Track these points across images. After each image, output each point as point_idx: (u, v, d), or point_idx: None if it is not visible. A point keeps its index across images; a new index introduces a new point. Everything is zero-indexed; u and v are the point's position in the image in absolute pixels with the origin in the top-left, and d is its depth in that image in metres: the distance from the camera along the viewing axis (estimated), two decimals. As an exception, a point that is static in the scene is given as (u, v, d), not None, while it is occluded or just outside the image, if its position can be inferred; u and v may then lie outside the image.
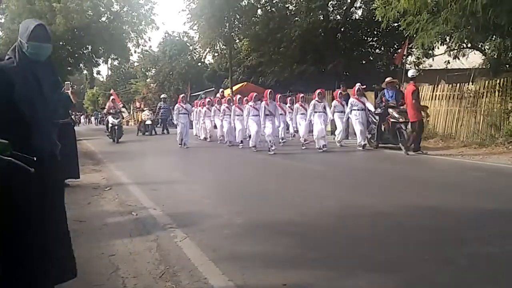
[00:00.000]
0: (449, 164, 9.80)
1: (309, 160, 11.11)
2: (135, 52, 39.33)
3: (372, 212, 5.62)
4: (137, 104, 32.23)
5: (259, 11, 28.32)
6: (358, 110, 12.89)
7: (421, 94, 13.17)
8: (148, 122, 23.10)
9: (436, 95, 14.88)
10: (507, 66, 13.96)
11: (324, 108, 12.88)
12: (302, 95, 16.54)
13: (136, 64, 50.97)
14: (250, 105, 13.51)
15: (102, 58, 37.71)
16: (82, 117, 58.88)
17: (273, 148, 12.20)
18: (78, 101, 24.37)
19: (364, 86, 14.00)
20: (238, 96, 15.50)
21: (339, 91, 14.53)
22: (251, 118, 13.30)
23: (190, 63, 41.74)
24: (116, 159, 11.77)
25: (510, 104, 12.39)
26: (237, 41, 30.69)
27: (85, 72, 49.72)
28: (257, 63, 27.13)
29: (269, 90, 13.44)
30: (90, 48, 34.87)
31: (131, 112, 40.82)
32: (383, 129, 12.62)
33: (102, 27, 32.58)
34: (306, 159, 11.33)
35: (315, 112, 12.79)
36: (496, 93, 12.87)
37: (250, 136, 13.79)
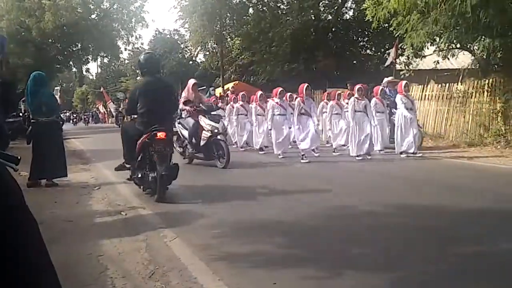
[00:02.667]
0: (438, 164, 9.87)
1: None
2: (125, 49, 39.19)
3: (361, 211, 5.65)
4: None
5: (250, 10, 28.30)
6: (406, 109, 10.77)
7: (411, 94, 13.20)
8: None
9: (425, 95, 14.98)
10: (496, 66, 14.07)
11: (365, 107, 10.88)
12: (339, 92, 13.61)
13: (126, 62, 50.72)
14: (277, 102, 11.52)
15: (91, 55, 37.49)
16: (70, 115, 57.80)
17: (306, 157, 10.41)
18: (64, 102, 22.84)
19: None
20: (242, 92, 14.52)
21: (347, 92, 13.14)
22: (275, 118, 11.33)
23: (181, 61, 41.63)
24: (105, 157, 11.67)
25: (499, 104, 12.50)
26: (229, 39, 30.63)
27: (74, 69, 49.25)
28: (249, 62, 27.16)
29: (306, 84, 11.22)
30: (79, 45, 34.67)
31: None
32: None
33: (92, 25, 32.40)
34: (296, 159, 11.33)
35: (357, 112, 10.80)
36: (485, 93, 12.98)
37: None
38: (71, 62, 38.05)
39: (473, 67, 15.34)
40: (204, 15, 25.95)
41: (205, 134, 9.56)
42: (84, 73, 62.24)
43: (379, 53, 26.07)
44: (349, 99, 11.61)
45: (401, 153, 10.67)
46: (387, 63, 17.61)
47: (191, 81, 10.61)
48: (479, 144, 12.16)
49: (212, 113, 10.16)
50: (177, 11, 28.32)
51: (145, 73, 6.95)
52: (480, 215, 5.38)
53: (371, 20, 13.72)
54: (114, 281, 3.63)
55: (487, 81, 13.04)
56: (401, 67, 17.04)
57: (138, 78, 47.76)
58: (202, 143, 9.63)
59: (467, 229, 4.79)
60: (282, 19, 25.78)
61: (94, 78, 67.19)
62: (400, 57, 18.02)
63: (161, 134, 6.32)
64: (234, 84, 23.91)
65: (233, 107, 14.28)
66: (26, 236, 0.79)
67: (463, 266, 3.75)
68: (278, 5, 27.68)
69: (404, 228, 4.94)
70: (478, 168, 9.23)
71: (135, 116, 6.94)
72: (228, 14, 27.79)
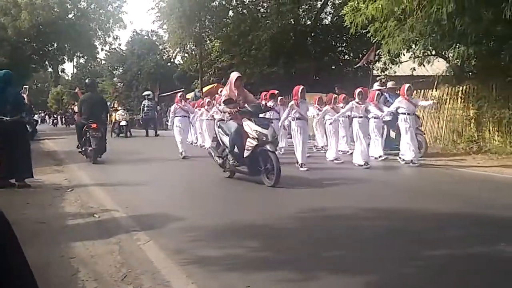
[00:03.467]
0: (413, 169, 9.98)
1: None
2: (102, 50, 38.78)
3: (336, 215, 5.67)
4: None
5: (230, 12, 28.28)
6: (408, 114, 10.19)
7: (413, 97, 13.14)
8: (123, 123, 20.85)
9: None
10: (470, 73, 14.34)
11: (365, 111, 10.52)
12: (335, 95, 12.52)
13: (103, 62, 50.10)
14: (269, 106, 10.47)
15: (67, 55, 37.00)
16: (46, 116, 56.82)
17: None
18: (31, 101, 22.00)
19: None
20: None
21: (343, 96, 11.85)
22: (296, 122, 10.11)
23: (159, 62, 41.24)
24: (79, 159, 11.51)
25: (472, 110, 12.76)
26: (208, 42, 30.52)
27: (49, 70, 48.46)
28: (228, 64, 27.07)
29: (302, 86, 10.31)
30: (55, 45, 34.21)
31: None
32: (394, 136, 11.52)
33: (69, 24, 32.03)
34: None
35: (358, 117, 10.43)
36: (459, 99, 13.22)
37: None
38: (46, 62, 37.52)
39: (448, 74, 15.59)
40: (182, 17, 25.78)
41: (250, 143, 7.69)
42: (60, 73, 61.32)
43: (357, 59, 26.28)
44: (345, 103, 11.05)
45: (404, 161, 10.05)
46: (359, 64, 17.83)
47: (234, 75, 8.49)
48: (452, 150, 12.38)
49: (260, 115, 8.25)
50: (155, 12, 28.15)
51: (88, 90, 12.09)
52: (455, 218, 5.47)
53: (349, 26, 13.84)
54: (85, 284, 3.57)
55: (461, 88, 13.29)
56: (378, 73, 17.23)
57: (115, 79, 47.38)
58: (246, 153, 7.75)
59: (442, 233, 4.84)
60: (261, 23, 25.86)
61: (70, 79, 66.17)
62: (377, 63, 18.23)
63: (93, 125, 10.90)
64: (213, 86, 23.83)
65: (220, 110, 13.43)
66: (3, 238, 0.77)
67: (437, 269, 3.79)
68: (258, 8, 27.75)
69: (380, 231, 4.98)
70: (452, 173, 9.38)
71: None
72: (208, 16, 27.70)
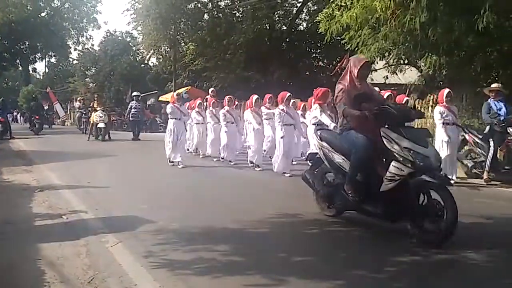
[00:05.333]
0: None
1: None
2: (75, 49, 38.22)
3: (305, 220, 5.68)
4: (76, 104, 29.72)
5: (205, 15, 28.24)
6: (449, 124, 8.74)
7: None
8: (101, 125, 18.73)
9: (374, 108, 15.34)
10: (441, 83, 14.62)
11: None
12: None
13: (75, 62, 49.32)
14: (282, 109, 9.71)
15: (39, 54, 36.37)
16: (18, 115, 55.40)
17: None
18: None
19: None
20: (228, 96, 12.24)
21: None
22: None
23: (133, 64, 40.73)
24: (49, 159, 11.29)
25: (442, 120, 12.99)
26: (183, 44, 30.40)
27: (20, 68, 47.55)
28: (202, 67, 27.01)
29: (288, 93, 9.84)
30: (27, 43, 33.57)
31: (68, 112, 39.32)
32: (499, 155, 8.99)
33: (42, 23, 31.55)
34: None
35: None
36: (430, 108, 13.46)
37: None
38: (18, 61, 36.77)
39: (419, 83, 15.88)
40: (158, 19, 25.66)
41: (397, 169, 4.69)
42: (31, 72, 60.08)
43: (331, 65, 26.54)
44: (330, 109, 10.01)
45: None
46: (334, 72, 17.99)
47: (359, 60, 5.55)
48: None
49: (407, 124, 5.28)
50: (130, 13, 27.93)
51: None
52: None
53: (324, 33, 13.97)
54: (51, 286, 3.53)
55: (432, 96, 13.53)
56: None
57: (87, 79, 46.65)
58: (385, 186, 4.76)
59: (401, 241, 4.87)
60: (237, 27, 25.90)
61: (42, 78, 64.89)
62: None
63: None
64: (186, 89, 23.70)
65: (213, 113, 12.28)
66: None
67: (399, 275, 3.88)
68: (233, 12, 27.79)
69: (346, 237, 5.04)
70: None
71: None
72: (183, 19, 27.60)
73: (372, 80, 19.19)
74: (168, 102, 12.84)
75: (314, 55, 28.31)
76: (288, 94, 9.84)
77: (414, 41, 11.74)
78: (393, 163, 4.71)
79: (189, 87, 26.72)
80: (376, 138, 4.86)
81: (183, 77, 29.77)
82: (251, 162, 10.48)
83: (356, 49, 13.31)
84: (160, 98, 26.87)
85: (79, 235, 4.79)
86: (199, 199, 7.12)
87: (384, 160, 4.97)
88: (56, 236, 4.79)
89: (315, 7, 24.86)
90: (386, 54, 13.66)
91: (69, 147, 15.78)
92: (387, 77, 16.91)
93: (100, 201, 6.60)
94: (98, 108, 19.79)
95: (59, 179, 8.62)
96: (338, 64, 13.06)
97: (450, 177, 7.76)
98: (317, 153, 5.88)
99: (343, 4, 12.48)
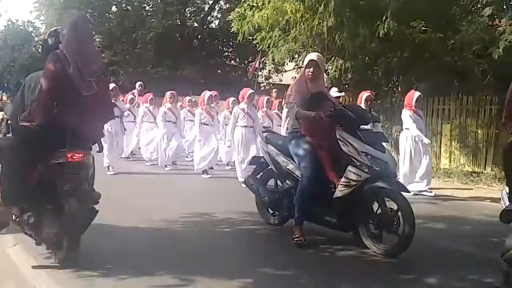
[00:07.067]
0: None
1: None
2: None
3: (218, 220, 5.69)
4: None
5: (113, 7, 27.25)
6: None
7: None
8: None
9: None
10: (347, 86, 15.22)
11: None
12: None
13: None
14: (243, 109, 9.14)
15: None
16: None
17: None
18: None
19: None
20: (170, 92, 11.21)
21: (278, 100, 11.59)
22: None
23: (35, 55, 38.47)
24: None
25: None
26: (89, 36, 29.08)
27: None
28: (110, 61, 26.06)
29: (250, 90, 9.34)
30: None
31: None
32: None
33: None
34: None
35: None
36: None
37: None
38: None
39: (327, 85, 16.42)
40: (61, 9, 24.39)
41: (351, 175, 4.50)
42: None
43: (243, 65, 26.74)
44: (280, 109, 10.61)
45: (415, 193, 7.55)
46: (249, 75, 18.17)
47: (311, 55, 5.14)
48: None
49: (364, 127, 4.99)
50: (33, 1, 26.34)
51: None
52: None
53: (236, 32, 13.99)
54: None
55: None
56: (261, 80, 17.63)
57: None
58: (339, 192, 4.54)
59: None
60: (146, 21, 25.29)
61: None
62: (262, 70, 18.66)
63: None
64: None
65: (149, 110, 11.51)
66: None
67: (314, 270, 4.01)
68: (143, 6, 27.07)
69: (259, 236, 5.06)
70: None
71: None
72: (89, 10, 26.43)
73: (281, 81, 19.63)
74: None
75: (226, 53, 28.36)
76: (250, 91, 9.24)
77: (322, 44, 12.11)
78: (349, 167, 4.47)
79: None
80: (329, 142, 4.66)
81: (89, 70, 28.49)
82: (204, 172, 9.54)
83: (267, 50, 13.49)
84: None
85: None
86: (114, 195, 6.78)
87: (335, 164, 4.67)
88: None
89: (227, 5, 24.88)
90: (296, 56, 13.96)
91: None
92: (295, 78, 17.31)
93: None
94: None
95: None
96: (252, 64, 12.91)
97: (425, 186, 8.08)
98: (261, 157, 5.62)
99: (254, 4, 12.59)
